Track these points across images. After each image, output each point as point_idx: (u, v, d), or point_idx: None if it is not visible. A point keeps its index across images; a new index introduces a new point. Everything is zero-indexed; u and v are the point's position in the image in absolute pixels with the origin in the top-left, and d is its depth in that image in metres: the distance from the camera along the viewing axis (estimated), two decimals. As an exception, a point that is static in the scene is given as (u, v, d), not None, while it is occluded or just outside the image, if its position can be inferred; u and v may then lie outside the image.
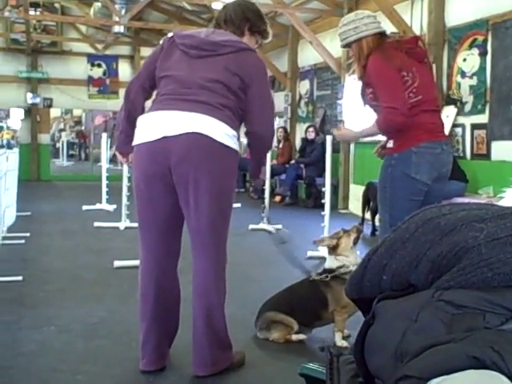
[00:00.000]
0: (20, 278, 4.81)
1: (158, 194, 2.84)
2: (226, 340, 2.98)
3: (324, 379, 1.46)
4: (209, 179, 2.77)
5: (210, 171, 2.77)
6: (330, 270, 3.47)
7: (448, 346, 1.09)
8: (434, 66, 7.45)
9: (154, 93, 3.02)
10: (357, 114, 7.68)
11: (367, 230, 7.61)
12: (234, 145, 2.85)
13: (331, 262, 3.52)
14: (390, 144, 3.55)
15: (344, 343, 3.36)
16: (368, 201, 7.78)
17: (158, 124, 2.78)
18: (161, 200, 2.85)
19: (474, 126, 7.11)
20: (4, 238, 6.29)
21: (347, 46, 3.63)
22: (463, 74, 7.28)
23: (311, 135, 10.65)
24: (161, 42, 3.05)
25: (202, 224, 2.82)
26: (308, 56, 11.30)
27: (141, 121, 2.88)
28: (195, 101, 2.79)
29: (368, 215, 7.81)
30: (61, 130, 20.79)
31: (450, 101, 7.48)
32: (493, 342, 1.07)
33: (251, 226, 7.54)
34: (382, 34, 3.57)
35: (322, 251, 6.08)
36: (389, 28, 8.12)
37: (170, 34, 3.02)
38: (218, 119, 2.78)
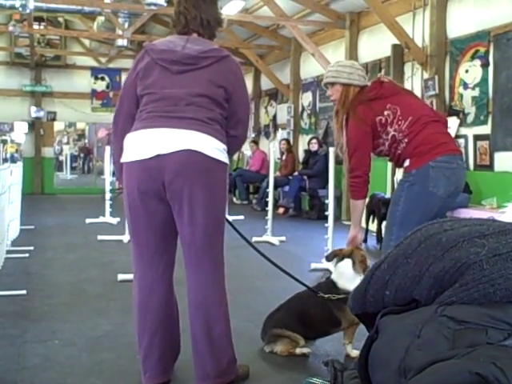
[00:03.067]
0: (24, 291, 4.82)
1: (153, 209, 2.86)
2: (229, 352, 2.97)
3: (328, 394, 1.46)
4: (203, 194, 2.81)
5: (204, 186, 2.80)
6: None
7: (451, 362, 1.09)
8: (436, 77, 7.51)
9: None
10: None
11: (371, 241, 7.61)
12: (224, 158, 2.89)
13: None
14: (407, 163, 3.67)
15: (357, 352, 3.32)
16: (372, 212, 7.78)
17: (150, 142, 2.80)
18: (157, 215, 2.87)
19: (477, 137, 7.12)
20: (8, 252, 6.30)
21: (331, 84, 3.83)
22: (465, 86, 7.30)
23: (314, 147, 10.66)
24: (136, 60, 2.99)
25: (198, 238, 2.85)
26: (310, 68, 11.33)
27: (130, 138, 2.88)
28: (184, 117, 2.81)
29: (371, 227, 7.81)
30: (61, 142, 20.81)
31: (453, 112, 7.49)
32: (495, 358, 1.07)
33: (255, 239, 7.52)
34: (363, 88, 3.79)
35: (326, 263, 6.07)
36: (391, 40, 8.17)
37: (142, 50, 2.98)
38: (209, 134, 2.81)
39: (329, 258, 3.62)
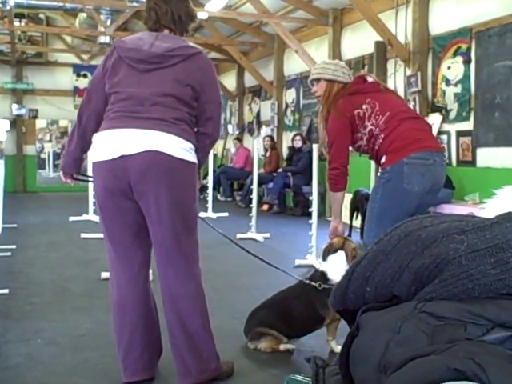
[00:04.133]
0: (6, 290, 4.79)
1: (123, 207, 2.86)
2: (209, 348, 2.96)
3: (310, 391, 1.47)
4: (169, 194, 2.80)
5: (169, 187, 2.79)
6: None
7: (430, 358, 1.10)
8: (418, 74, 7.55)
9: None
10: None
11: (355, 237, 7.64)
12: (191, 158, 2.88)
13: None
14: (383, 159, 3.70)
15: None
16: (356, 209, 7.80)
17: (114, 143, 2.79)
18: (127, 212, 2.88)
19: (459, 133, 7.16)
20: (-10, 251, 6.26)
21: (316, 80, 3.93)
22: (448, 82, 7.34)
23: (298, 144, 10.67)
24: (105, 56, 2.98)
25: (167, 237, 2.85)
26: (294, 65, 11.33)
27: (97, 139, 2.89)
28: (149, 118, 2.80)
29: (355, 223, 7.84)
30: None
31: (435, 108, 7.53)
32: (474, 354, 1.07)
33: (239, 235, 7.54)
34: (347, 85, 3.89)
35: (310, 259, 6.09)
36: (374, 37, 8.19)
37: (112, 46, 2.97)
38: (174, 134, 2.80)
39: (324, 257, 3.55)
